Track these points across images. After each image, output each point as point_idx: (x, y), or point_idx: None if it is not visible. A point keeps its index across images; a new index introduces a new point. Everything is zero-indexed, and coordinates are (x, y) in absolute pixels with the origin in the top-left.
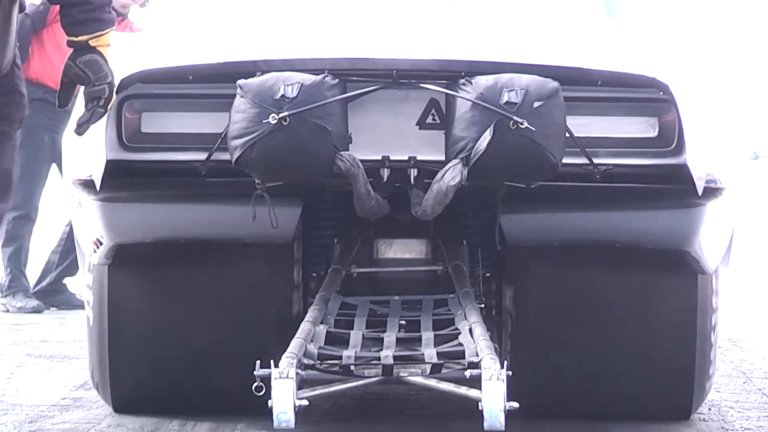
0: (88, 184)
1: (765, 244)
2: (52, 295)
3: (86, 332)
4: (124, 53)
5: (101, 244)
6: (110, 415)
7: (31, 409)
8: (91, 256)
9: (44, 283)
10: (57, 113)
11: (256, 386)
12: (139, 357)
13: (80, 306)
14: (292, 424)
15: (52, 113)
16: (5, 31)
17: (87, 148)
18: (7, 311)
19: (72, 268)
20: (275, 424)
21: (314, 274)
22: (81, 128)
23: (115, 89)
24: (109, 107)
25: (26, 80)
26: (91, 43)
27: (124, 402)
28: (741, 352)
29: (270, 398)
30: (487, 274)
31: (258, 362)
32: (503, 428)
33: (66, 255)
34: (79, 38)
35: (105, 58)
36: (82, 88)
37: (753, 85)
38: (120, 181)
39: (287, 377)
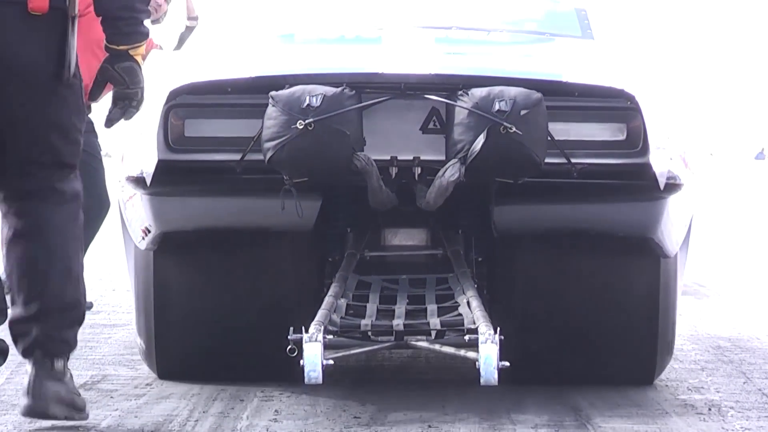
0: (139, 180)
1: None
2: None
3: (134, 309)
4: (169, 67)
5: (149, 232)
6: (110, 415)
7: None
8: (139, 243)
9: None
10: None
11: (290, 349)
12: (181, 330)
13: None
14: (320, 380)
15: None
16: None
17: (138, 150)
18: (8, 308)
19: None
20: (306, 380)
21: (330, 259)
22: (111, 123)
23: (145, 92)
24: (140, 108)
25: None
26: (130, 52)
27: (167, 369)
28: (741, 352)
29: (301, 359)
30: (480, 259)
31: (291, 329)
32: (497, 383)
33: None
34: (120, 47)
35: (140, 65)
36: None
37: (758, 88)
38: (166, 178)
39: (316, 341)
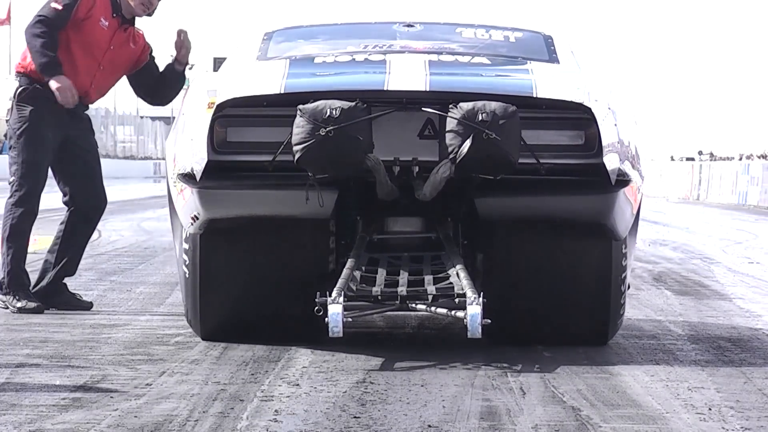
0: (190, 177)
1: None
2: (52, 296)
3: (182, 283)
4: (213, 82)
5: (197, 218)
6: (110, 415)
7: (31, 409)
8: (188, 228)
9: (43, 283)
10: (60, 112)
11: (317, 309)
12: (222, 299)
13: (80, 306)
14: (341, 333)
15: (56, 112)
16: None
17: (188, 152)
18: (7, 308)
19: (70, 268)
20: (330, 334)
21: (343, 242)
22: None
23: None
24: None
25: (33, 78)
26: None
27: (209, 332)
28: (741, 352)
29: (326, 317)
30: (465, 242)
31: (318, 293)
32: (480, 336)
33: (62, 254)
34: None
35: None
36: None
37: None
38: (213, 175)
39: (338, 302)
